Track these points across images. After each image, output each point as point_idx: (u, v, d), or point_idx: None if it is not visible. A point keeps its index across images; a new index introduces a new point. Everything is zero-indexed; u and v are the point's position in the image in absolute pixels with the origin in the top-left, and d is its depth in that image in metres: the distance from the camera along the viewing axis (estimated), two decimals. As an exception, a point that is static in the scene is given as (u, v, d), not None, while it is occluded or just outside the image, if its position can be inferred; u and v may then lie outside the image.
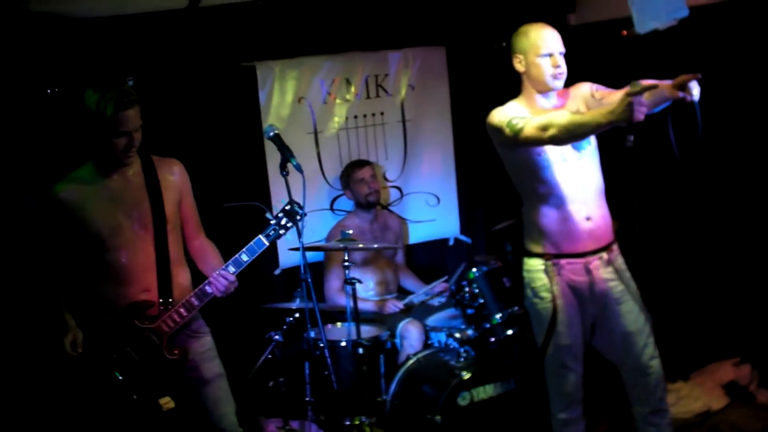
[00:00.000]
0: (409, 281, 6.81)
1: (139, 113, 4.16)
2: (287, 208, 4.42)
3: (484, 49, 7.17)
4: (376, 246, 5.95)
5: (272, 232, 4.40)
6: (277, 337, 5.39)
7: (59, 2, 5.33)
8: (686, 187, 6.21)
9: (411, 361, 5.68)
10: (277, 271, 6.57)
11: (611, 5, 6.23)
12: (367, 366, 5.69)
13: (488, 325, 5.65)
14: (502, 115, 4.46)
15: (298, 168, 4.00)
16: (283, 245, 6.49)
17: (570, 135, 4.16)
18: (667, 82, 4.03)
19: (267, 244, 4.38)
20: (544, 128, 4.18)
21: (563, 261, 4.56)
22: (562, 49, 4.50)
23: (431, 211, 7.22)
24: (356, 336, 5.56)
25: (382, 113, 6.92)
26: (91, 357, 4.23)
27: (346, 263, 5.48)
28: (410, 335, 6.01)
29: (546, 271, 4.58)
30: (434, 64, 7.05)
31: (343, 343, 5.63)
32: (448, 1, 6.77)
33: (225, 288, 4.29)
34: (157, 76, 6.00)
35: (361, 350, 5.60)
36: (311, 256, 6.10)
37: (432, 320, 6.26)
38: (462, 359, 5.53)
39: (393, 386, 5.64)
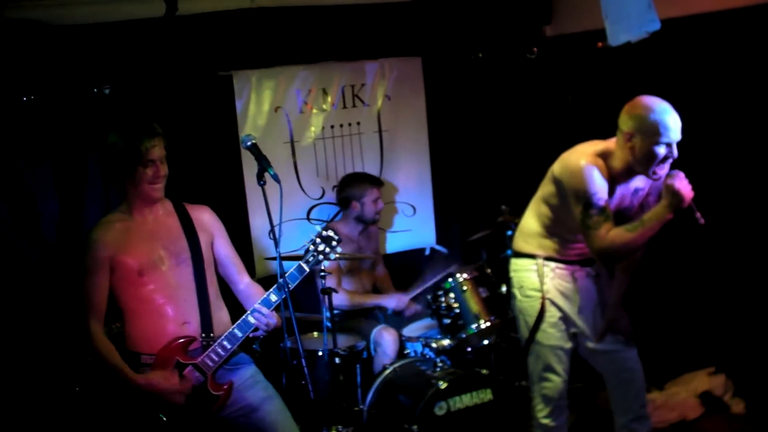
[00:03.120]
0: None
1: (163, 145, 4.21)
2: (324, 234, 4.45)
3: (460, 60, 7.19)
4: (363, 256, 5.97)
5: (311, 258, 4.41)
6: (254, 346, 5.39)
7: (37, 10, 5.33)
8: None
9: (388, 371, 5.68)
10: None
11: (586, 17, 6.28)
12: (344, 375, 5.69)
13: (464, 335, 5.67)
14: (587, 186, 4.28)
15: (276, 178, 4.00)
16: (259, 254, 6.50)
17: (633, 249, 4.29)
18: None
19: (308, 270, 4.38)
20: (611, 246, 4.24)
21: (553, 264, 4.59)
22: (680, 137, 4.22)
23: (407, 221, 7.24)
24: (333, 345, 5.57)
25: (358, 123, 6.93)
26: (134, 398, 4.19)
27: (322, 273, 5.48)
28: (384, 342, 6.01)
29: (537, 271, 4.60)
30: (411, 74, 7.07)
31: (320, 353, 5.63)
32: (424, 12, 6.79)
33: (265, 321, 4.29)
34: (134, 85, 6.00)
35: (337, 360, 5.60)
36: (287, 265, 6.12)
37: (408, 330, 6.26)
38: (438, 369, 5.54)
39: (370, 396, 5.64)
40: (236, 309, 4.56)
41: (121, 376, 4.17)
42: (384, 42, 6.87)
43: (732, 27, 5.52)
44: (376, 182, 6.54)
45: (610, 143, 4.41)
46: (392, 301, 6.36)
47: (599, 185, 4.26)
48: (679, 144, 4.18)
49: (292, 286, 4.33)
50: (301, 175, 6.75)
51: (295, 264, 4.37)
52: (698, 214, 4.14)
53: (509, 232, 6.20)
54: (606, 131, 4.66)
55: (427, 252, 7.28)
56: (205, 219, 4.49)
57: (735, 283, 6.05)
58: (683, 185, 4.06)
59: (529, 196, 4.85)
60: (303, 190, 6.77)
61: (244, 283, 4.59)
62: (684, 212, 4.11)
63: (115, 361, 4.19)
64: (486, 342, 5.84)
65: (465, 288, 5.72)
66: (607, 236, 4.22)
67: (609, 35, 4.75)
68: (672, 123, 4.17)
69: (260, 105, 6.51)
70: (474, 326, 5.66)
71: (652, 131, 4.16)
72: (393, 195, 7.11)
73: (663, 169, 4.23)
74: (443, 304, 5.72)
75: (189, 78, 6.21)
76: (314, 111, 6.73)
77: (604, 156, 4.37)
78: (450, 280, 5.76)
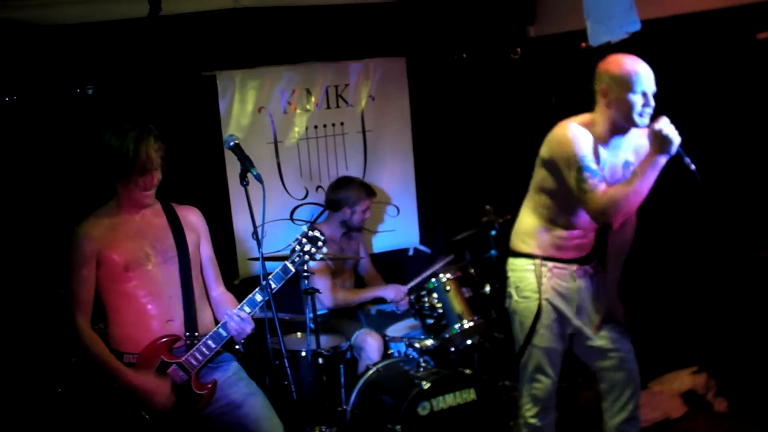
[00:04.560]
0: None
1: (161, 153, 4.20)
2: (309, 234, 4.47)
3: (444, 61, 7.20)
4: (346, 257, 5.97)
5: (297, 258, 4.43)
6: (237, 346, 5.38)
7: (20, 9, 5.31)
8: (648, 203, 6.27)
9: (371, 371, 5.68)
10: (236, 282, 6.54)
11: (570, 18, 6.29)
12: (327, 376, 5.69)
13: (448, 335, 5.67)
14: (576, 150, 4.31)
15: (258, 178, 3.99)
16: (243, 255, 6.49)
17: (634, 204, 4.25)
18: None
19: (293, 270, 4.40)
20: (609, 205, 4.20)
21: (551, 264, 4.59)
22: (654, 89, 4.28)
23: (391, 222, 7.24)
24: (316, 346, 5.57)
25: (342, 123, 6.93)
26: (117, 396, 4.17)
27: (305, 274, 5.48)
28: (368, 346, 6.01)
29: (534, 271, 4.59)
30: (394, 74, 7.08)
31: (303, 353, 5.63)
32: (408, 12, 6.79)
33: (241, 327, 4.30)
34: (117, 85, 5.98)
35: (321, 360, 5.61)
36: (270, 266, 6.13)
37: (392, 330, 6.27)
38: (422, 369, 5.54)
39: (353, 396, 5.64)
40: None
41: (111, 371, 4.14)
42: (368, 42, 6.88)
43: (712, 28, 5.55)
44: (371, 193, 6.53)
45: (591, 114, 4.46)
46: (390, 291, 6.37)
47: (587, 148, 4.30)
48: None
49: (277, 287, 4.35)
50: (285, 175, 6.75)
51: (280, 264, 4.37)
52: (692, 166, 4.14)
53: (493, 232, 6.22)
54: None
55: (411, 252, 7.29)
56: (193, 220, 4.49)
57: (717, 283, 6.07)
58: (669, 129, 4.07)
59: (513, 196, 4.86)
60: (286, 190, 6.77)
61: (218, 290, 4.59)
62: (679, 166, 4.12)
63: (105, 357, 4.17)
64: (469, 342, 5.84)
65: (448, 288, 5.73)
66: (604, 196, 4.22)
67: (590, 35, 4.78)
68: (643, 72, 4.24)
69: (244, 105, 6.50)
70: (457, 326, 5.67)
71: (625, 81, 4.23)
72: (377, 195, 7.09)
73: (645, 118, 4.27)
74: (426, 304, 5.73)
75: (172, 78, 6.20)
76: (298, 111, 6.73)
77: (587, 125, 4.41)
78: (433, 280, 5.77)
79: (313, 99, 6.76)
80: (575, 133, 4.34)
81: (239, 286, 6.54)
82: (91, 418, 4.97)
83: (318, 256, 4.51)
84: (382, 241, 7.24)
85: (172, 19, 5.82)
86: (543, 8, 7.13)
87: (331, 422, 5.67)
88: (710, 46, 5.66)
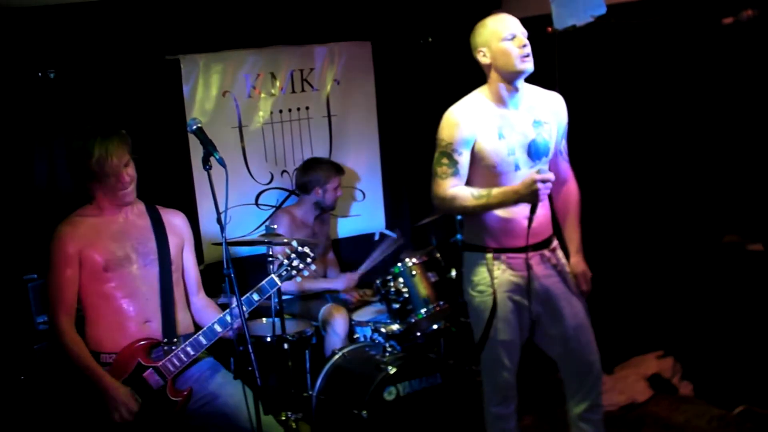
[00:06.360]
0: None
1: (128, 150, 4.27)
2: (299, 249, 4.52)
3: (409, 45, 7.18)
4: (317, 242, 5.97)
5: (284, 272, 4.49)
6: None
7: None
8: (607, 187, 6.28)
9: (337, 356, 5.67)
10: (201, 267, 6.49)
11: (535, 2, 6.26)
12: (293, 361, 5.66)
13: (413, 320, 5.66)
14: (447, 135, 4.47)
15: (221, 162, 3.96)
16: (208, 240, 6.45)
17: (469, 213, 4.48)
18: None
19: (279, 284, 4.46)
20: (449, 199, 4.38)
21: (504, 255, 4.54)
22: (525, 31, 4.38)
23: (357, 206, 7.23)
24: (281, 331, 5.54)
25: (307, 108, 6.90)
26: (89, 394, 4.17)
27: (270, 258, 5.45)
28: (334, 321, 6.04)
29: (487, 265, 4.57)
30: (360, 59, 7.06)
31: (268, 339, 5.60)
32: (374, -4, 6.78)
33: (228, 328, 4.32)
34: (79, 69, 5.92)
35: (286, 345, 5.58)
36: (235, 251, 6.12)
37: (358, 315, 6.26)
38: (388, 354, 5.53)
39: (319, 382, 5.62)
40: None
41: (90, 375, 4.15)
42: (333, 26, 6.84)
43: (678, 12, 5.55)
44: (339, 170, 6.56)
45: (483, 87, 4.58)
46: (341, 282, 6.38)
47: (461, 137, 4.41)
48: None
49: (260, 300, 4.42)
50: (250, 160, 6.71)
51: (248, 248, 4.36)
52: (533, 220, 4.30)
53: (459, 217, 6.20)
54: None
55: (377, 237, 7.27)
56: (177, 223, 4.56)
57: (683, 269, 6.10)
58: (544, 189, 4.14)
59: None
60: (251, 175, 6.74)
61: (198, 296, 4.65)
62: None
63: (86, 361, 4.18)
64: (435, 326, 5.83)
65: (414, 272, 5.72)
66: (449, 189, 4.37)
67: (555, 18, 4.77)
68: (503, 18, 4.40)
69: (208, 89, 6.46)
70: (423, 311, 5.66)
71: (491, 34, 4.39)
72: (342, 180, 7.06)
73: (528, 62, 4.36)
74: (392, 289, 5.71)
75: (136, 62, 6.14)
76: (262, 95, 6.69)
77: (481, 96, 4.53)
78: (399, 264, 5.75)
79: (277, 83, 6.72)
80: (455, 118, 4.48)
81: (204, 271, 6.48)
82: (54, 405, 4.93)
83: (306, 273, 4.56)
84: (347, 226, 7.23)
85: (136, 2, 5.78)
86: (508, -8, 7.12)
87: (296, 408, 5.65)
88: (676, 30, 5.66)
